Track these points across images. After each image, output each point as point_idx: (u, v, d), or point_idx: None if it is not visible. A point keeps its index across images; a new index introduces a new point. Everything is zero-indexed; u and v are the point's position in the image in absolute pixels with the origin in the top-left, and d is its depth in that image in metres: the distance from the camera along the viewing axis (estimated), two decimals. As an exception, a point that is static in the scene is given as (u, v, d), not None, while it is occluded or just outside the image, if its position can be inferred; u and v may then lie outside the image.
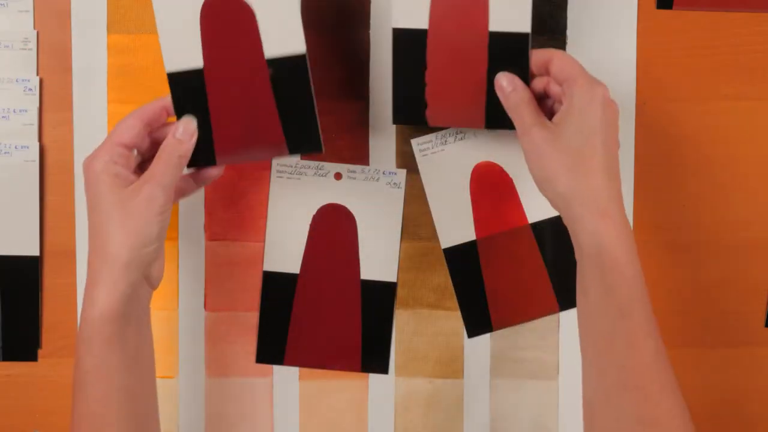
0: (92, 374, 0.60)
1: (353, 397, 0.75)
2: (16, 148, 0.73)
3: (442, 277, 0.74)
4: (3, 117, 0.73)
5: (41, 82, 0.74)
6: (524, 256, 0.72)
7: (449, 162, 0.71)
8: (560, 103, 0.63)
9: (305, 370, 0.75)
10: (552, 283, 0.72)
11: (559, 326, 0.75)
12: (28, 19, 0.73)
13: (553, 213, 0.70)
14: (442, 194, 0.71)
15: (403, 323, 0.75)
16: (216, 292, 0.75)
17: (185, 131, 0.64)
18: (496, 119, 0.65)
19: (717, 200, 0.74)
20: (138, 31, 0.74)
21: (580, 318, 0.62)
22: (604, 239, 0.59)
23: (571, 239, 0.62)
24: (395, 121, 0.68)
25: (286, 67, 0.64)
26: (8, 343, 0.75)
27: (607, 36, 0.73)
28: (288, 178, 0.74)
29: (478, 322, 0.73)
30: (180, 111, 0.65)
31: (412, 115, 0.66)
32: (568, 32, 0.73)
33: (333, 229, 0.74)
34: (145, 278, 0.62)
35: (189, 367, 0.75)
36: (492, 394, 0.75)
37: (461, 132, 0.70)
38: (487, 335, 0.75)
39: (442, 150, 0.71)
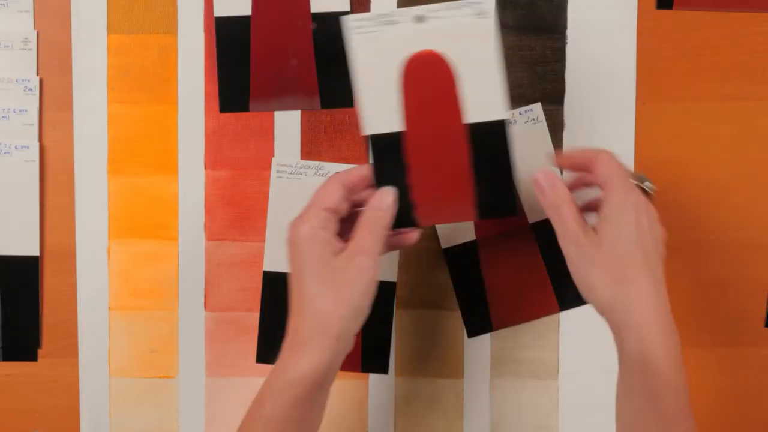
0: (272, 425, 0.60)
1: (353, 397, 0.75)
2: (16, 148, 0.74)
3: (442, 277, 0.75)
4: (3, 117, 0.73)
5: (41, 82, 0.74)
6: (524, 257, 0.72)
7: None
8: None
9: (305, 370, 0.75)
10: (552, 284, 0.72)
11: (559, 326, 0.75)
12: (28, 19, 0.73)
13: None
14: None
15: (403, 323, 0.75)
16: (216, 292, 0.75)
17: (385, 203, 0.63)
18: (488, 210, 0.64)
19: (717, 200, 0.74)
20: (138, 31, 0.74)
21: (620, 421, 0.61)
22: (650, 348, 0.58)
23: (616, 344, 0.61)
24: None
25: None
26: (8, 343, 0.75)
27: (607, 36, 0.73)
28: (288, 178, 0.74)
29: (478, 322, 0.73)
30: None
31: (403, 219, 0.64)
32: (568, 32, 0.73)
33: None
34: (348, 346, 0.62)
35: (189, 367, 0.75)
36: (492, 394, 0.75)
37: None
38: (487, 335, 0.75)
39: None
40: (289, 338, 0.61)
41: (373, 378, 0.75)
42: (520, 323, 0.74)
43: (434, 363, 0.75)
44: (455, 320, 0.75)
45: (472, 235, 0.72)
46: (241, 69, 0.73)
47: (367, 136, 0.63)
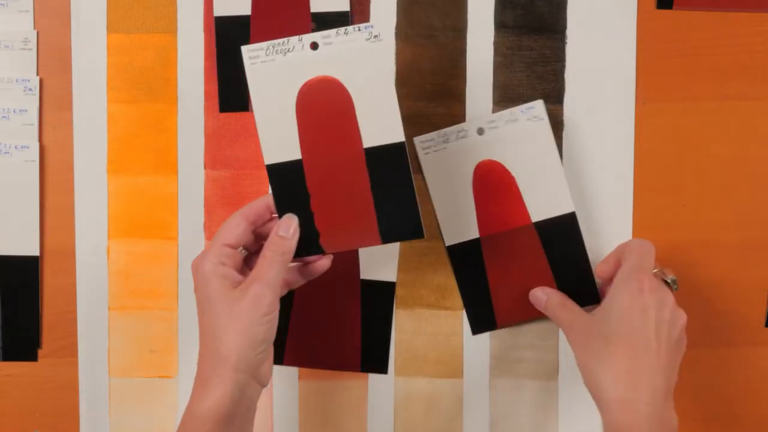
0: None
1: (353, 397, 0.75)
2: (16, 148, 0.74)
3: (442, 277, 0.75)
4: (3, 117, 0.73)
5: (41, 82, 0.74)
6: (528, 255, 0.72)
7: (451, 160, 0.71)
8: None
9: (305, 370, 0.75)
10: (557, 282, 0.72)
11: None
12: (28, 19, 0.74)
13: (557, 212, 0.70)
14: (445, 192, 0.71)
15: (403, 323, 0.75)
16: (216, 292, 0.75)
17: (287, 229, 0.64)
18: (391, 233, 0.65)
19: (717, 200, 0.74)
20: (138, 31, 0.74)
21: None
22: None
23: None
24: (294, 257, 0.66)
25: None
26: (8, 343, 0.75)
27: (607, 36, 0.73)
28: (288, 178, 0.74)
29: (482, 320, 0.73)
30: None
31: (308, 247, 0.65)
32: (568, 32, 0.73)
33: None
34: (254, 379, 0.62)
35: (189, 367, 0.75)
36: (492, 394, 0.75)
37: (463, 130, 0.70)
38: (487, 335, 0.75)
39: (444, 148, 0.71)
40: (196, 374, 0.62)
41: (373, 378, 0.75)
42: (524, 321, 0.74)
43: (434, 363, 0.75)
44: (455, 320, 0.75)
45: (476, 233, 0.72)
46: (240, 69, 0.73)
47: (267, 166, 0.64)
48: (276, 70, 0.64)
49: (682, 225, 0.74)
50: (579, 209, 0.73)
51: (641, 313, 0.62)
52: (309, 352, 0.75)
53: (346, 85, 0.64)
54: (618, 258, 0.68)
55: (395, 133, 0.64)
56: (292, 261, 0.65)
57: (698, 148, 0.74)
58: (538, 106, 0.69)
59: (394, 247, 0.74)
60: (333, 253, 0.66)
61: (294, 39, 0.64)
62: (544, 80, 0.74)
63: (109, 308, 0.75)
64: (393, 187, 0.65)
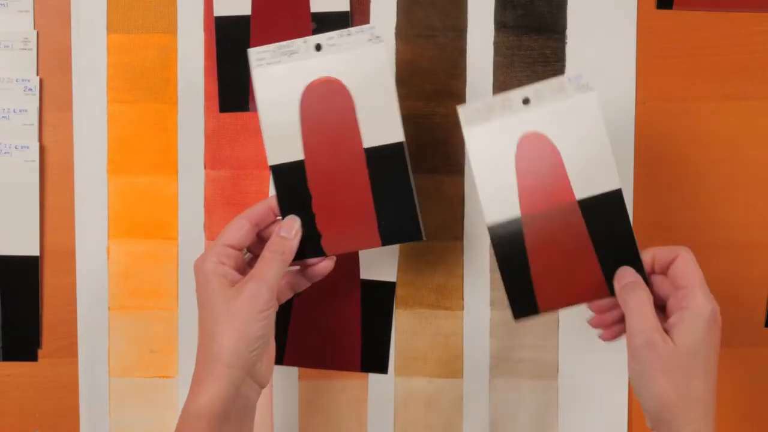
0: None
1: (353, 397, 0.75)
2: (16, 148, 0.74)
3: (442, 277, 0.75)
4: (3, 117, 0.73)
5: (41, 82, 0.74)
6: (571, 235, 0.67)
7: (495, 132, 0.66)
8: (662, 300, 0.64)
9: (305, 370, 0.75)
10: (601, 265, 0.66)
11: (558, 326, 0.75)
12: (28, 19, 0.74)
13: (602, 189, 0.65)
14: (487, 166, 0.66)
15: (403, 323, 0.75)
16: (216, 292, 0.75)
17: (289, 229, 0.64)
18: (391, 235, 0.65)
19: (717, 200, 0.74)
20: (138, 31, 0.74)
21: None
22: None
23: None
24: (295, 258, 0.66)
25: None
26: (8, 343, 0.75)
27: (607, 36, 0.73)
28: (288, 178, 0.74)
29: (524, 304, 0.67)
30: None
31: (309, 249, 0.65)
32: (568, 32, 0.73)
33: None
34: (250, 377, 0.62)
35: (189, 367, 0.75)
36: (492, 394, 0.75)
37: (508, 100, 0.66)
38: (487, 335, 0.75)
39: (488, 119, 0.66)
40: (193, 374, 0.62)
41: (373, 378, 0.75)
42: (568, 306, 0.68)
43: (434, 363, 0.75)
44: (455, 320, 0.75)
45: (517, 211, 0.66)
46: (240, 69, 0.73)
47: (270, 166, 0.65)
48: (281, 71, 0.64)
49: (682, 225, 0.75)
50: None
51: (714, 348, 0.62)
52: (309, 352, 0.75)
53: (347, 85, 0.64)
54: (671, 258, 0.64)
55: (395, 133, 0.64)
56: (293, 263, 0.65)
57: (698, 148, 0.74)
58: (586, 77, 0.65)
59: (394, 247, 0.74)
60: (334, 255, 0.66)
61: (299, 41, 0.64)
62: (544, 80, 0.73)
63: (109, 308, 0.75)
64: (393, 189, 0.65)
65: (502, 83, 0.73)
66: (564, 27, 0.73)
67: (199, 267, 0.63)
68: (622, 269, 0.64)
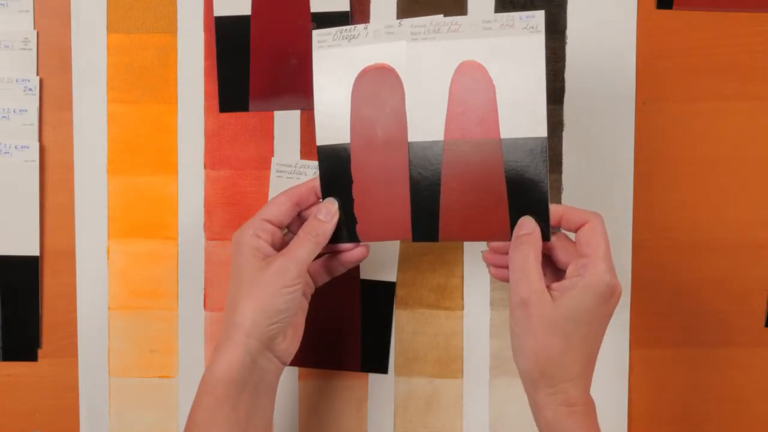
0: (200, 427, 0.62)
1: (353, 397, 0.75)
2: (16, 148, 0.74)
3: (442, 277, 0.75)
4: (3, 117, 0.73)
5: (41, 82, 0.74)
6: (487, 171, 0.65)
7: (436, 53, 0.65)
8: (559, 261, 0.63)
9: (305, 370, 0.75)
10: (509, 208, 0.65)
11: (559, 326, 0.75)
12: (28, 19, 0.74)
13: (528, 134, 0.64)
14: (422, 86, 0.66)
15: (403, 323, 0.75)
16: (216, 292, 0.75)
17: (326, 212, 0.65)
18: (421, 232, 0.65)
19: (717, 200, 0.74)
20: (138, 31, 0.74)
21: None
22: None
23: (534, 417, 0.63)
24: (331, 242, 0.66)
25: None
26: (8, 343, 0.75)
27: (607, 36, 0.73)
28: (288, 177, 0.74)
29: (425, 228, 0.66)
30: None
31: (344, 233, 0.66)
32: (568, 32, 0.73)
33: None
34: (269, 350, 0.63)
35: (189, 367, 0.75)
36: (492, 394, 0.75)
37: (456, 23, 0.65)
38: (487, 335, 0.75)
39: (433, 38, 0.65)
40: (218, 338, 0.63)
41: (373, 378, 0.75)
42: (468, 240, 0.69)
43: (434, 363, 0.75)
44: (455, 320, 0.75)
45: (441, 134, 0.66)
46: (240, 69, 0.73)
47: (317, 146, 0.65)
48: (340, 55, 0.65)
49: (682, 225, 0.74)
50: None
51: (603, 319, 0.61)
52: (309, 352, 0.75)
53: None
54: (581, 222, 0.62)
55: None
56: (328, 248, 0.66)
57: (698, 148, 0.74)
58: (539, 17, 0.63)
59: (395, 247, 0.74)
60: (368, 243, 0.67)
61: (360, 27, 0.65)
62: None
63: (109, 308, 0.75)
64: (425, 189, 0.65)
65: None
66: (564, 27, 0.73)
67: (236, 238, 0.64)
68: (524, 219, 0.63)
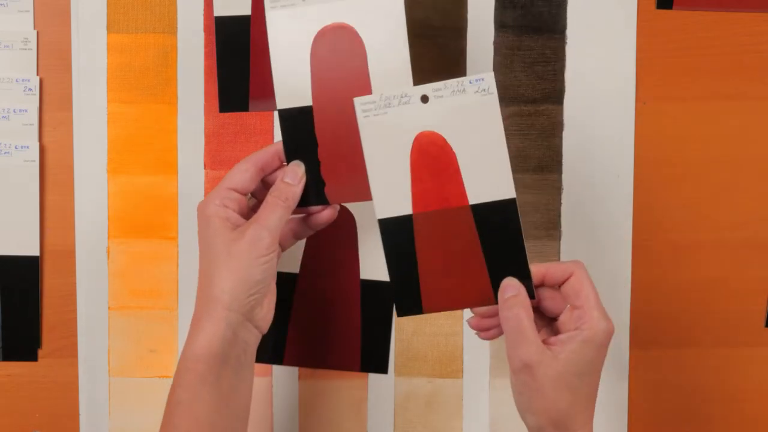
0: (182, 406, 0.61)
1: (353, 397, 0.75)
2: (16, 148, 0.74)
3: (442, 277, 0.75)
4: (3, 117, 0.73)
5: (41, 82, 0.74)
6: (462, 239, 0.65)
7: (392, 127, 0.65)
8: (550, 314, 0.63)
9: (305, 370, 0.75)
10: (489, 273, 0.64)
11: (559, 326, 0.75)
12: (28, 19, 0.74)
13: (497, 196, 0.64)
14: (381, 161, 0.65)
15: (403, 323, 0.75)
16: (216, 292, 0.75)
17: (293, 175, 0.64)
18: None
19: (717, 200, 0.74)
20: (138, 31, 0.74)
21: None
22: None
23: None
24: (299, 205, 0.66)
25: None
26: (8, 343, 0.75)
27: (607, 36, 0.73)
28: (288, 178, 0.74)
29: (408, 302, 0.66)
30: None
31: (312, 196, 0.65)
32: (568, 32, 0.73)
33: (332, 231, 0.73)
34: (248, 321, 0.62)
35: (189, 367, 0.75)
36: (492, 394, 0.75)
37: (406, 95, 0.64)
38: (487, 335, 0.75)
39: (385, 113, 0.64)
40: (192, 317, 0.62)
41: (373, 378, 0.75)
42: (452, 309, 0.67)
43: (434, 363, 0.75)
44: (455, 320, 0.75)
45: (409, 208, 0.66)
46: (240, 69, 0.73)
47: (278, 110, 0.64)
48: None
49: (682, 225, 0.75)
50: (578, 209, 0.73)
51: (602, 362, 0.61)
52: (309, 352, 0.75)
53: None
54: (565, 276, 0.62)
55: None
56: (296, 211, 0.65)
57: (698, 148, 0.74)
58: (488, 79, 0.62)
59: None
60: (337, 204, 0.66)
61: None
62: (544, 80, 0.74)
63: (109, 308, 0.75)
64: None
65: (502, 83, 0.73)
66: (564, 27, 0.73)
67: (201, 210, 0.63)
68: (507, 280, 0.63)
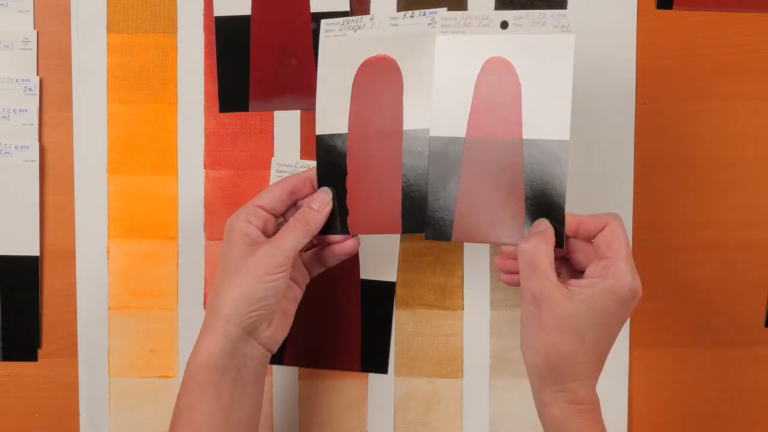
0: (183, 415, 0.62)
1: (353, 397, 0.75)
2: (16, 148, 0.74)
3: (442, 277, 0.75)
4: (3, 117, 0.73)
5: (41, 82, 0.74)
6: (506, 172, 0.63)
7: (467, 48, 0.64)
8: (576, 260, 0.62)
9: (305, 370, 0.75)
10: (526, 211, 0.63)
11: (559, 326, 0.75)
12: (28, 19, 0.74)
13: (551, 136, 0.62)
14: (449, 81, 0.64)
15: (403, 323, 0.75)
16: (216, 292, 0.75)
17: (320, 201, 0.65)
18: (409, 226, 0.65)
19: (717, 200, 0.74)
20: (138, 31, 0.74)
21: None
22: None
23: (538, 412, 0.62)
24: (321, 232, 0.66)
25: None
26: (8, 343, 0.75)
27: (607, 36, 0.73)
28: (288, 178, 0.74)
29: (439, 227, 0.65)
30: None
31: (335, 224, 0.66)
32: (568, 32, 0.73)
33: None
34: (251, 337, 0.62)
35: (189, 367, 0.75)
36: (492, 394, 0.75)
37: (486, 18, 0.63)
38: (487, 335, 0.75)
39: (463, 32, 0.64)
40: (202, 323, 0.63)
41: (373, 378, 0.75)
42: (481, 242, 0.66)
43: (434, 363, 0.75)
44: (455, 320, 0.75)
45: (463, 131, 0.64)
46: (240, 69, 0.73)
47: (316, 136, 0.65)
48: (347, 44, 0.65)
49: (682, 225, 0.74)
50: (578, 209, 0.73)
51: (620, 322, 0.60)
52: (309, 352, 0.75)
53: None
54: (599, 227, 0.61)
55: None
56: (319, 240, 0.66)
57: (698, 148, 0.74)
58: (569, 16, 0.61)
59: (394, 247, 0.74)
60: (358, 235, 0.66)
61: (366, 17, 0.65)
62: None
63: (109, 308, 0.75)
64: (417, 181, 0.64)
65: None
66: (564, 27, 0.73)
67: (228, 222, 0.64)
68: (539, 220, 0.62)
